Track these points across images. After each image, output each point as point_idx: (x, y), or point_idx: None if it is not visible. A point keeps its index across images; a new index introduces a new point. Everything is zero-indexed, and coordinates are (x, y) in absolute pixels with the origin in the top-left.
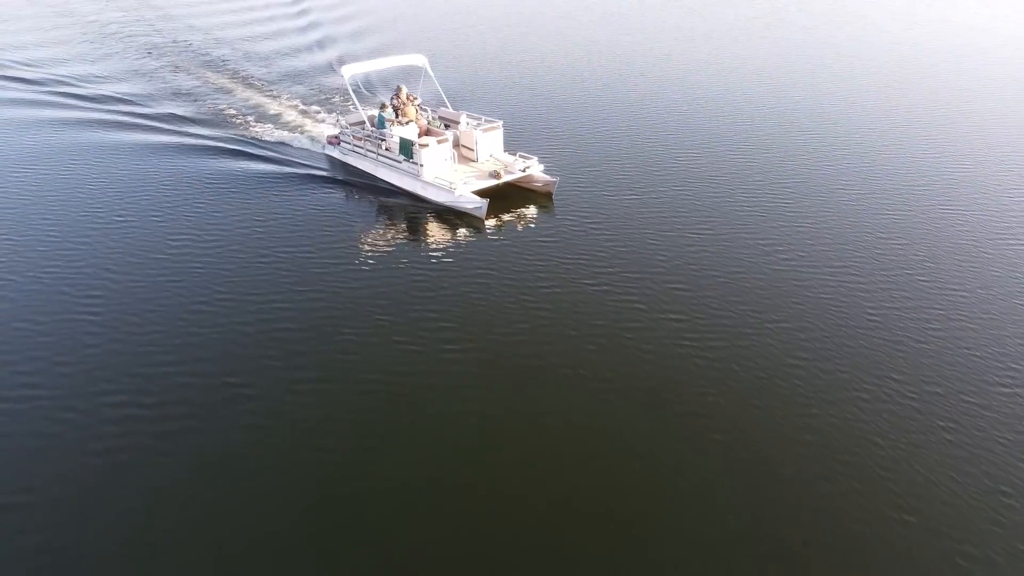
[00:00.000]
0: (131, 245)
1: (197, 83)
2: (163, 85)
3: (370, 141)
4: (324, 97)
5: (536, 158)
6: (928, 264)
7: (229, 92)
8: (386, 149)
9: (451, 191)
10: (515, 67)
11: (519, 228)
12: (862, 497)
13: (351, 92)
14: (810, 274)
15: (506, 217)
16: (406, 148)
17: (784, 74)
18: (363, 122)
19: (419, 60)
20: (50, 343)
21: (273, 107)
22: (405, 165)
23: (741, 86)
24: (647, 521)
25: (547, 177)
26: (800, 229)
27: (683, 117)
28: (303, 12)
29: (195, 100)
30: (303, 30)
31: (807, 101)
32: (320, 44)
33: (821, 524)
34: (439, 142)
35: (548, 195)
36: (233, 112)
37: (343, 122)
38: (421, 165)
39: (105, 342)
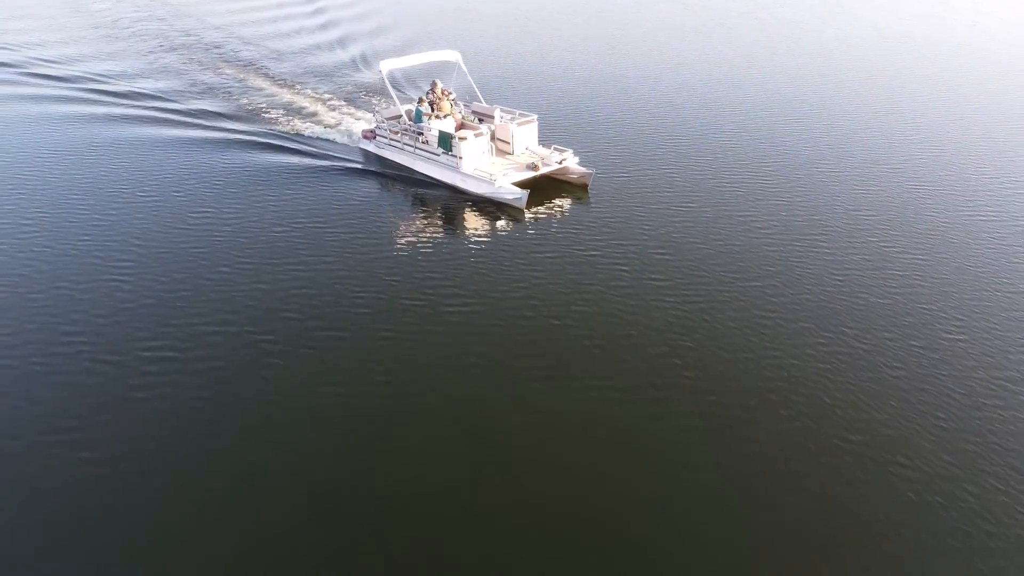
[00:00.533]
0: (176, 230)
1: (224, 80)
2: (190, 82)
3: (407, 135)
4: (352, 94)
5: (571, 150)
6: None
7: (257, 89)
8: (424, 142)
9: (491, 182)
10: (547, 62)
11: (557, 219)
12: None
13: (388, 86)
14: (859, 272)
15: (543, 208)
16: (445, 141)
17: (831, 67)
18: (399, 116)
19: (453, 56)
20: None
21: (302, 103)
22: (443, 158)
23: (783, 79)
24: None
25: (583, 169)
26: (843, 224)
27: (718, 110)
28: (320, 10)
29: (224, 97)
30: (324, 27)
31: (853, 89)
32: (341, 42)
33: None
34: (476, 135)
35: (584, 187)
36: (263, 108)
37: (379, 116)
38: (460, 158)
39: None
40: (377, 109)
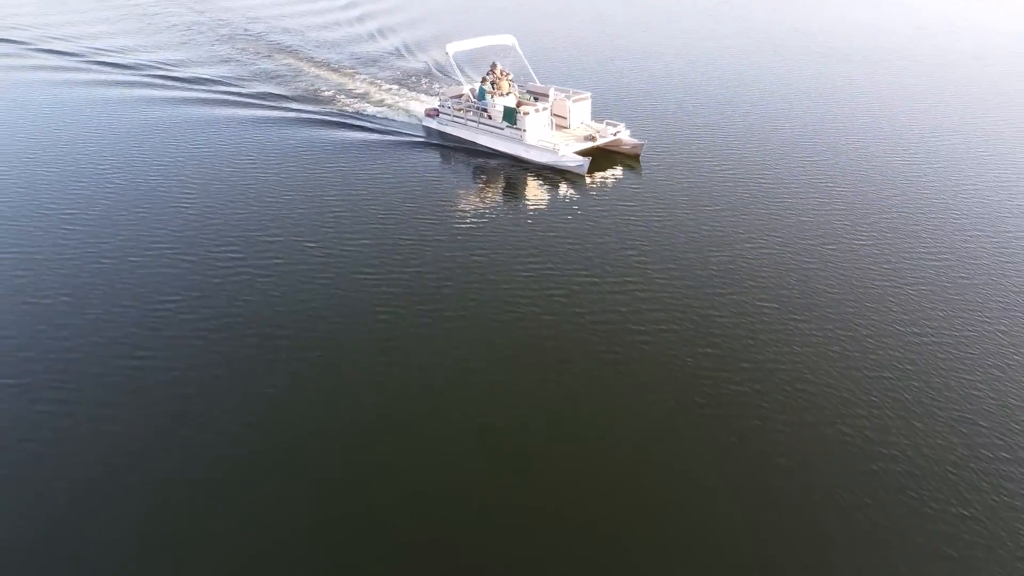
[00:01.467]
0: (252, 200)
1: (279, 66)
2: (248, 69)
3: (472, 111)
4: (401, 79)
5: (623, 124)
6: None
7: (313, 75)
8: (488, 118)
9: (555, 152)
10: (595, 44)
11: (612, 185)
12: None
13: (454, 66)
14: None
15: (599, 175)
16: (510, 115)
17: (874, 44)
18: (461, 95)
19: (509, 40)
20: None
21: (356, 87)
22: (508, 131)
23: (828, 58)
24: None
25: (634, 140)
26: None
27: (761, 86)
28: (359, 2)
29: (283, 81)
30: (361, 19)
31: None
32: (382, 31)
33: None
34: (538, 111)
35: (636, 157)
36: (324, 90)
37: (443, 95)
38: (524, 130)
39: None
40: (441, 89)
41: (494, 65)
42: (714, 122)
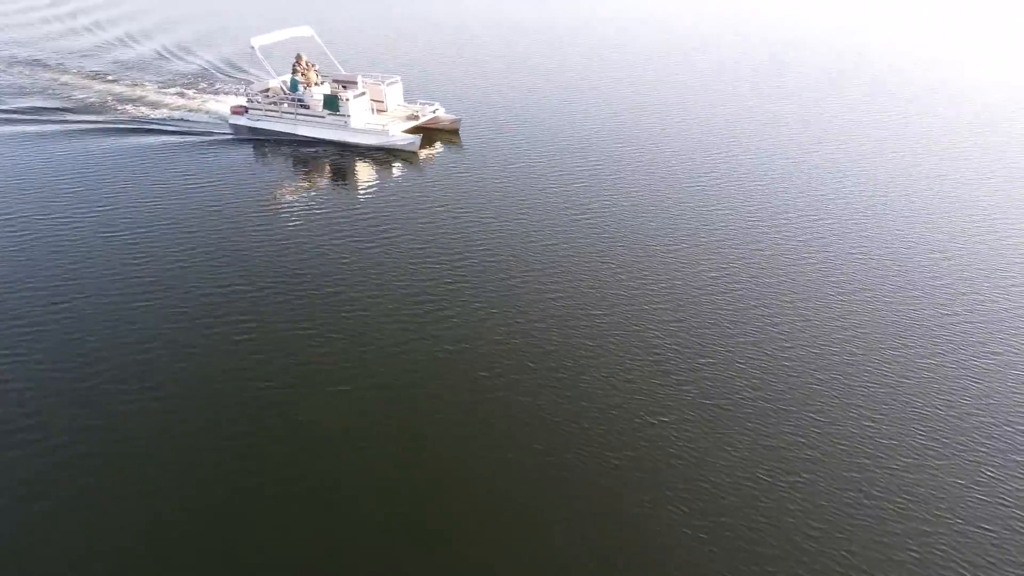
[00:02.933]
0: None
1: (35, 79)
2: (10, 84)
3: (288, 103)
4: (179, 79)
5: (438, 103)
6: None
7: (81, 84)
8: (305, 108)
9: (385, 133)
10: (388, 29)
11: (441, 159)
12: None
13: (263, 60)
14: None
15: (425, 152)
16: (332, 103)
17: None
18: (268, 89)
19: (307, 31)
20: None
21: (132, 92)
22: (330, 119)
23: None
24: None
25: (451, 116)
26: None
27: (561, 48)
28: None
29: (51, 94)
30: (108, 23)
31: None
32: (144, 35)
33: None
34: (356, 96)
35: (455, 131)
36: (103, 99)
37: (250, 91)
38: (349, 116)
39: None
40: (246, 86)
41: (299, 57)
42: (522, 92)
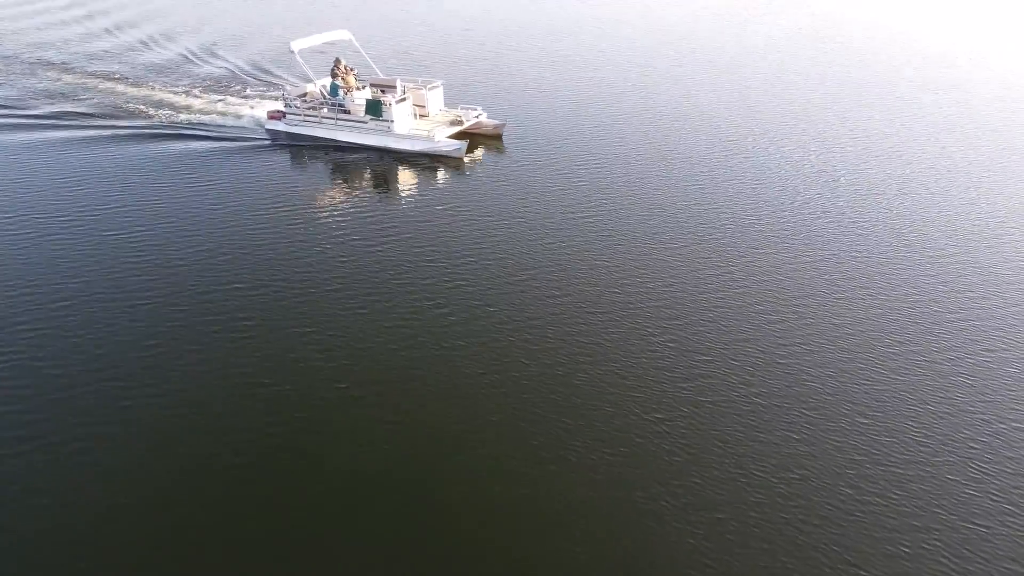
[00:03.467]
0: (92, 225)
1: (64, 84)
2: (25, 88)
3: (328, 108)
4: (213, 84)
5: (480, 107)
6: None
7: (107, 88)
8: (346, 113)
9: (430, 139)
10: (430, 31)
11: (486, 165)
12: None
13: (303, 64)
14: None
15: (468, 157)
16: (375, 108)
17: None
18: (305, 94)
19: (344, 34)
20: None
21: (167, 96)
22: (372, 124)
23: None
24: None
25: (495, 121)
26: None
27: (606, 58)
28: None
29: (78, 99)
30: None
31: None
32: (169, 38)
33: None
34: (399, 101)
35: (498, 137)
36: (131, 104)
37: (288, 96)
38: (392, 121)
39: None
40: (283, 91)
41: (338, 60)
42: (565, 96)
